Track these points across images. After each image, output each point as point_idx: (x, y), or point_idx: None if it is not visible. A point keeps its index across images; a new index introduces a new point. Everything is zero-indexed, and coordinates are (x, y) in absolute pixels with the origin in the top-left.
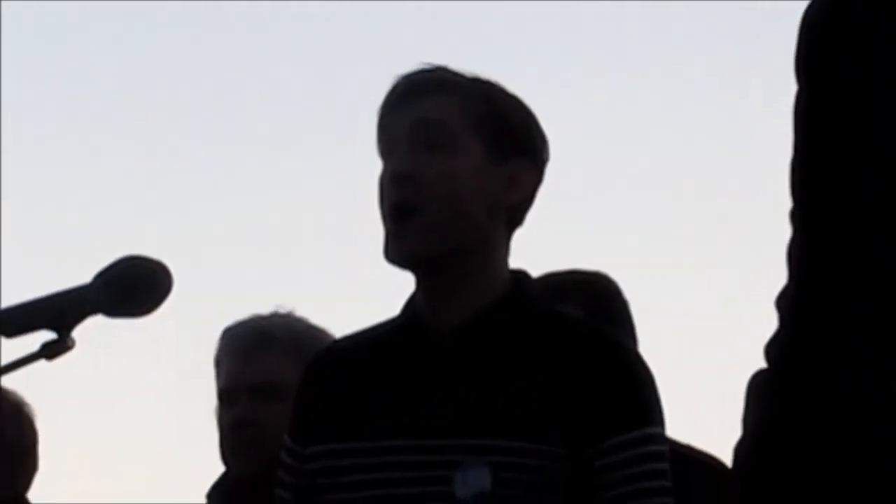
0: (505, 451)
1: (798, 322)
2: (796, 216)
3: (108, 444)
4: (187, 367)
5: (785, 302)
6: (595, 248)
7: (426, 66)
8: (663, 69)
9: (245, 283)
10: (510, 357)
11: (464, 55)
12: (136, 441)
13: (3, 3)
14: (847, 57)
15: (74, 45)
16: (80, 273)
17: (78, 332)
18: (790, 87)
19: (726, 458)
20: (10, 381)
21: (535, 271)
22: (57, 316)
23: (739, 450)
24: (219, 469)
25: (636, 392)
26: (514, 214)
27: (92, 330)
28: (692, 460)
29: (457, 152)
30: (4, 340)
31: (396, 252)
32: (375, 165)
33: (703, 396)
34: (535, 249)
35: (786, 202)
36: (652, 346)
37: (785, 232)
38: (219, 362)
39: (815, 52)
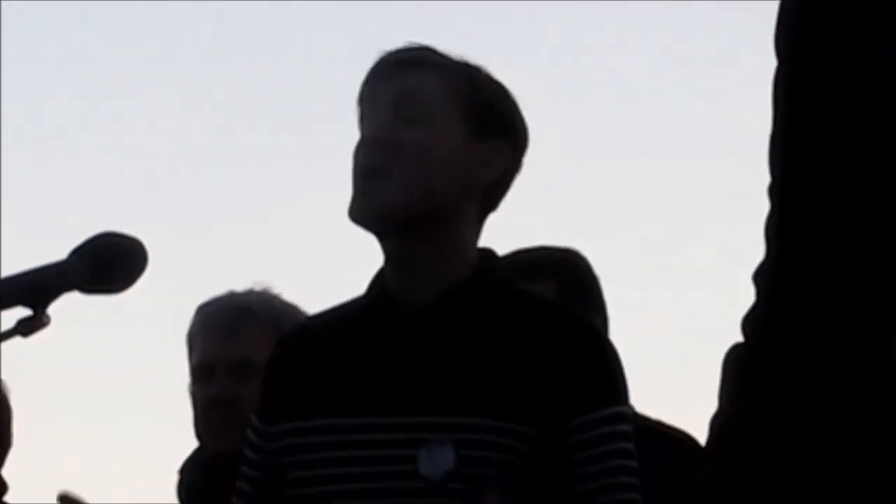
0: (470, 429)
1: (774, 297)
2: (774, 191)
3: (82, 420)
4: (163, 344)
5: (762, 277)
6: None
7: (412, 44)
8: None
9: (220, 260)
10: (479, 336)
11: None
12: (109, 417)
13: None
14: (847, 56)
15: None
16: (55, 250)
17: (53, 309)
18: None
19: (697, 433)
20: None
21: (502, 249)
22: (32, 292)
23: (714, 424)
24: (191, 444)
25: (604, 371)
26: (488, 196)
27: (67, 306)
28: (662, 435)
29: (435, 127)
30: None
31: (361, 209)
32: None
33: (679, 371)
34: (499, 225)
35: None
36: (626, 320)
37: (762, 208)
38: (193, 339)
39: (799, 34)
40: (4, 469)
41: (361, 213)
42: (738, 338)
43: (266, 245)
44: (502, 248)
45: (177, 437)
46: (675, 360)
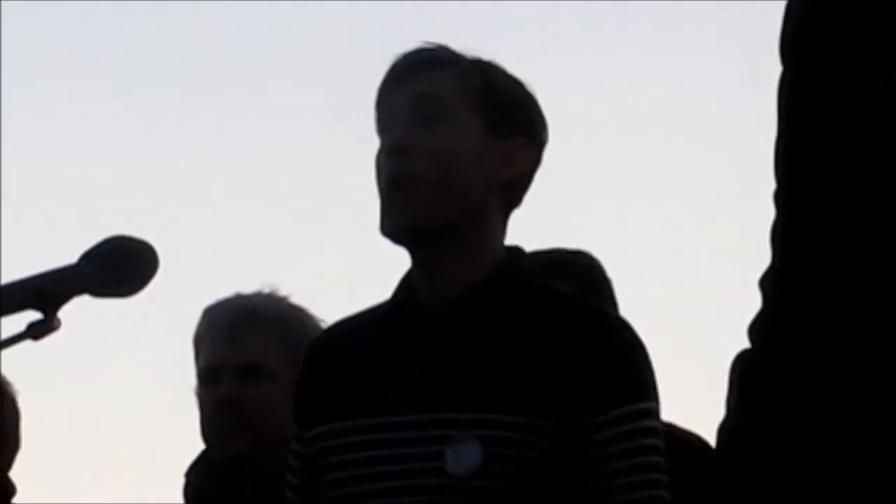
0: (497, 426)
1: (780, 304)
2: (780, 198)
3: (91, 424)
4: (173, 347)
5: (768, 283)
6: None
7: (426, 45)
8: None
9: (229, 264)
10: (504, 332)
11: (467, 39)
12: (119, 421)
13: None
14: (847, 57)
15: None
16: (65, 254)
17: (64, 313)
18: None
19: (709, 436)
20: None
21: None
22: (43, 296)
23: (722, 431)
24: (198, 447)
25: (630, 367)
26: (511, 193)
27: (78, 310)
28: (674, 437)
29: (454, 127)
30: None
31: (391, 225)
32: (372, 146)
33: (689, 376)
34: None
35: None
36: (637, 325)
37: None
38: (199, 341)
39: (804, 39)
40: (13, 471)
41: (392, 229)
42: (746, 343)
43: (276, 248)
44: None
45: (183, 439)
46: (685, 364)
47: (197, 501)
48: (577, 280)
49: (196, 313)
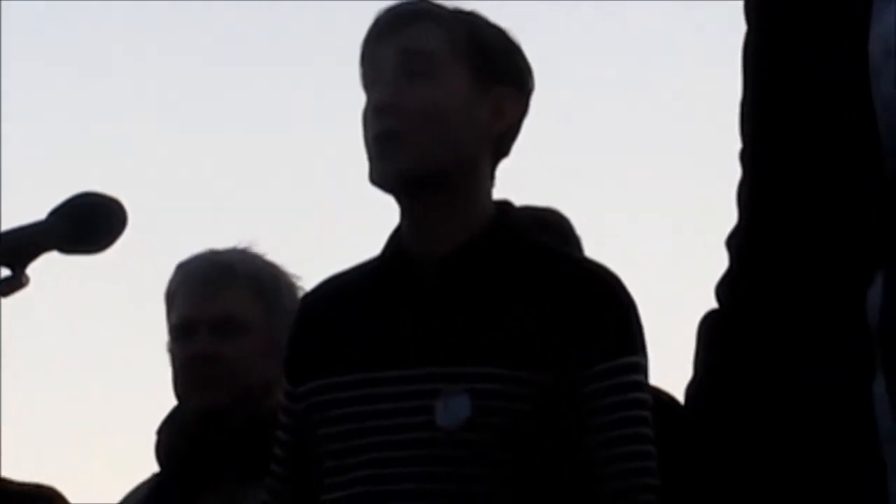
0: (484, 378)
1: (746, 263)
2: (746, 157)
3: (60, 381)
4: (142, 303)
5: (735, 242)
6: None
7: None
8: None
9: (202, 219)
10: (495, 286)
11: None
12: (88, 378)
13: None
14: (848, 56)
15: None
16: (34, 210)
17: (32, 269)
18: None
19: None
20: None
21: None
22: (11, 252)
23: (689, 389)
24: (169, 405)
25: (619, 321)
26: (500, 143)
27: (46, 266)
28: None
29: (441, 81)
30: None
31: (381, 172)
32: (346, 98)
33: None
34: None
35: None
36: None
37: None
38: (172, 297)
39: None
40: None
41: (382, 176)
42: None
43: (252, 207)
44: None
45: (155, 397)
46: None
47: (169, 458)
48: (550, 236)
49: (165, 270)
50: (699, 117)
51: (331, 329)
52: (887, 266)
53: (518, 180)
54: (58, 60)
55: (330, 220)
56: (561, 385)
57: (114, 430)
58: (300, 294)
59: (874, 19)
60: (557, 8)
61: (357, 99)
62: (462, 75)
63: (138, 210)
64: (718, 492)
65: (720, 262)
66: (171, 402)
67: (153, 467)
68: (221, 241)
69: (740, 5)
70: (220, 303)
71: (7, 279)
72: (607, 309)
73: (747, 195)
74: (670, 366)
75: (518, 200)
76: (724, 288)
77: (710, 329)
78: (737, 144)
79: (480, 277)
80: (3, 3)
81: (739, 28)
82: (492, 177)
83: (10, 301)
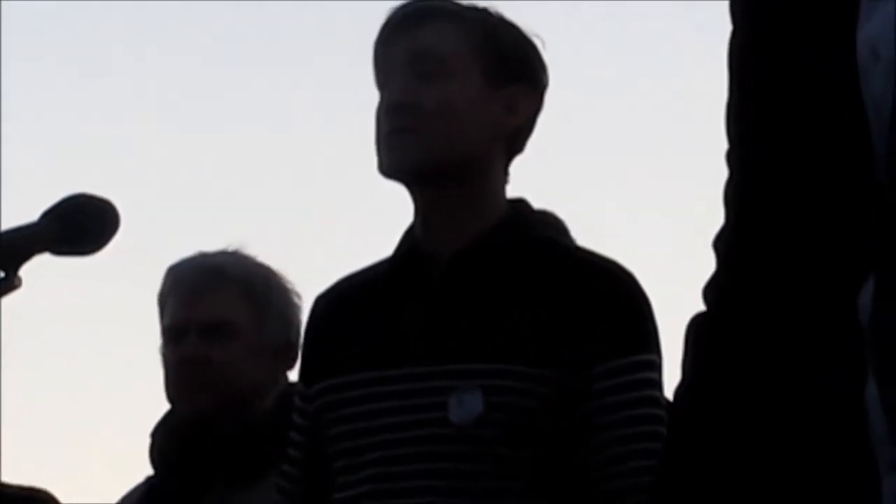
0: (499, 375)
1: (733, 265)
2: (733, 158)
3: (53, 382)
4: (143, 302)
5: (722, 244)
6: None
7: None
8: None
9: (202, 219)
10: (506, 282)
11: None
12: (81, 380)
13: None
14: (847, 56)
15: None
16: (34, 210)
17: (25, 271)
18: None
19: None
20: None
21: None
22: (3, 254)
23: (677, 394)
24: (164, 407)
25: (633, 318)
26: (514, 140)
27: (39, 268)
28: None
29: (454, 80)
30: None
31: (392, 161)
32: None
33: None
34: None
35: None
36: None
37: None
38: (164, 300)
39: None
40: None
41: (391, 165)
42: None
43: (251, 207)
44: None
45: (149, 400)
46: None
47: (161, 461)
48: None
49: (159, 272)
50: (699, 117)
51: (342, 329)
52: (878, 268)
53: (518, 180)
54: (58, 60)
55: (330, 221)
56: (573, 382)
57: (106, 434)
58: (292, 296)
59: (862, 19)
60: (557, 8)
61: (357, 99)
62: (474, 72)
63: (138, 210)
64: (712, 493)
65: None
66: (165, 405)
67: (150, 469)
68: (221, 240)
69: None
70: (209, 306)
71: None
72: (621, 305)
73: (734, 196)
74: (670, 367)
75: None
76: (712, 290)
77: (698, 332)
78: None
79: (492, 274)
80: (3, 3)
81: None
82: (505, 173)
83: (2, 302)
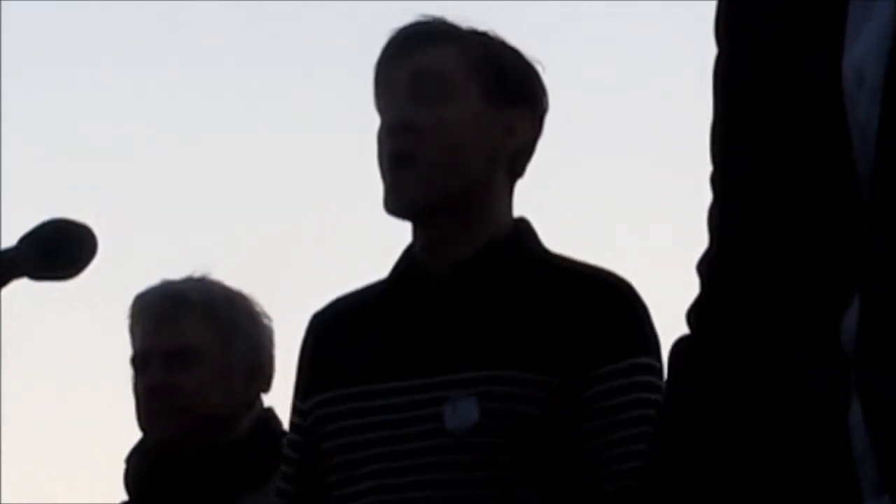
0: (491, 381)
1: (716, 289)
2: (716, 181)
3: (30, 407)
4: (111, 331)
5: (706, 266)
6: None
7: (423, 18)
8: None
9: (202, 219)
10: (502, 292)
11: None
12: (58, 404)
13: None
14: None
15: None
16: (34, 210)
17: (3, 295)
18: None
19: None
20: None
21: None
22: None
23: (660, 419)
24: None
25: (631, 322)
26: (514, 163)
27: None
28: None
29: (454, 101)
30: None
31: (396, 202)
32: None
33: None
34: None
35: None
36: None
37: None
38: (132, 329)
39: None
40: None
41: (395, 206)
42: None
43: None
44: None
45: (125, 425)
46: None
47: (135, 486)
48: None
49: (166, 269)
50: (699, 117)
51: (337, 345)
52: (862, 290)
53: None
54: (58, 60)
55: (330, 221)
56: (570, 386)
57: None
58: (261, 318)
59: (848, 38)
60: (558, 8)
61: (357, 101)
62: (474, 96)
63: (138, 209)
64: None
65: None
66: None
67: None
68: (222, 240)
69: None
70: (173, 334)
71: None
72: (616, 312)
73: (718, 218)
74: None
75: (518, 201)
76: (696, 313)
77: (680, 355)
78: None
79: (487, 286)
80: (3, 3)
81: None
82: (509, 195)
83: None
